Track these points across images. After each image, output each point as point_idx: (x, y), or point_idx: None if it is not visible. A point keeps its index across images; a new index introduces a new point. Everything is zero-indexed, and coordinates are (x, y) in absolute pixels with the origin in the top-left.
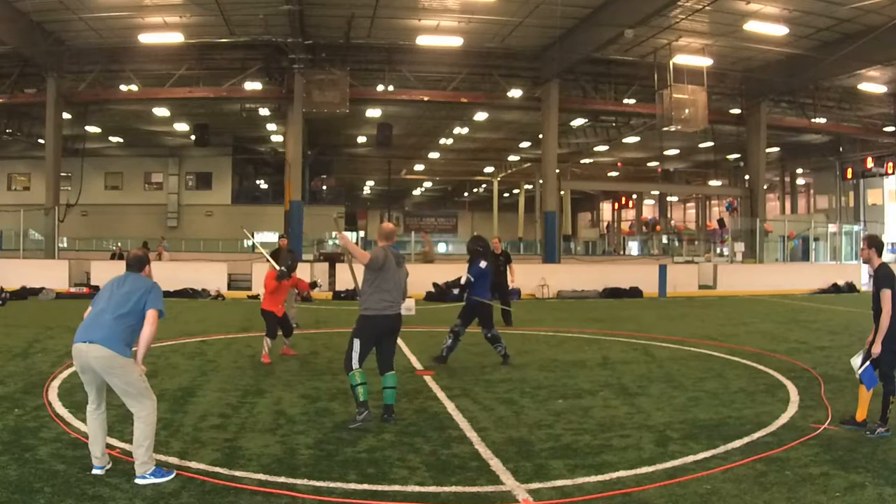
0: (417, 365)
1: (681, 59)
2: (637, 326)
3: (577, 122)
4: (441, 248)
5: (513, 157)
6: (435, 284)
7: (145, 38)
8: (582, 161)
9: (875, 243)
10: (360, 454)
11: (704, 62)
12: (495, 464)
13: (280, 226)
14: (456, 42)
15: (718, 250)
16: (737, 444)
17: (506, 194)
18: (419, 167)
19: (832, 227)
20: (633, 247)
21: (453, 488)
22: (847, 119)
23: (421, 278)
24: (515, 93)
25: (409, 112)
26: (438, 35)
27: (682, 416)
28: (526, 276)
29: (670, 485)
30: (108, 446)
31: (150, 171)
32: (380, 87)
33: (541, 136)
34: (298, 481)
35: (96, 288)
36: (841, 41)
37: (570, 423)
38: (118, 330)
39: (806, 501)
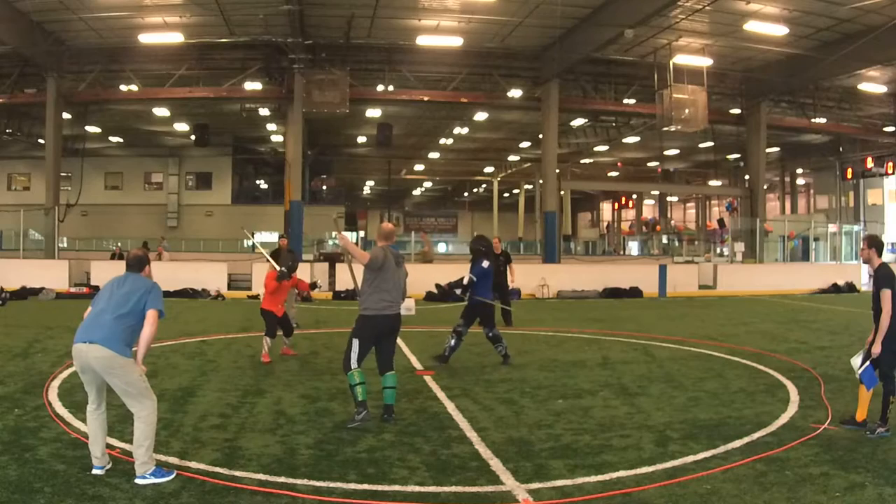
0: (417, 365)
1: (681, 59)
2: (637, 326)
3: (577, 122)
4: (441, 248)
5: (513, 157)
6: (438, 286)
7: (145, 38)
8: (582, 161)
9: (875, 243)
10: (360, 454)
11: (704, 62)
12: (495, 464)
13: (280, 226)
14: (456, 42)
15: (718, 250)
16: (737, 444)
17: (506, 194)
18: (419, 167)
19: (832, 227)
20: (633, 247)
21: (453, 488)
22: (847, 119)
23: (421, 278)
24: (515, 93)
25: (409, 112)
26: (438, 35)
27: (682, 416)
28: (526, 276)
29: (670, 485)
30: (108, 446)
31: (150, 171)
32: (380, 87)
33: (541, 136)
34: (298, 481)
35: (96, 288)
36: (841, 41)
37: (570, 423)
38: (118, 330)
39: (806, 501)
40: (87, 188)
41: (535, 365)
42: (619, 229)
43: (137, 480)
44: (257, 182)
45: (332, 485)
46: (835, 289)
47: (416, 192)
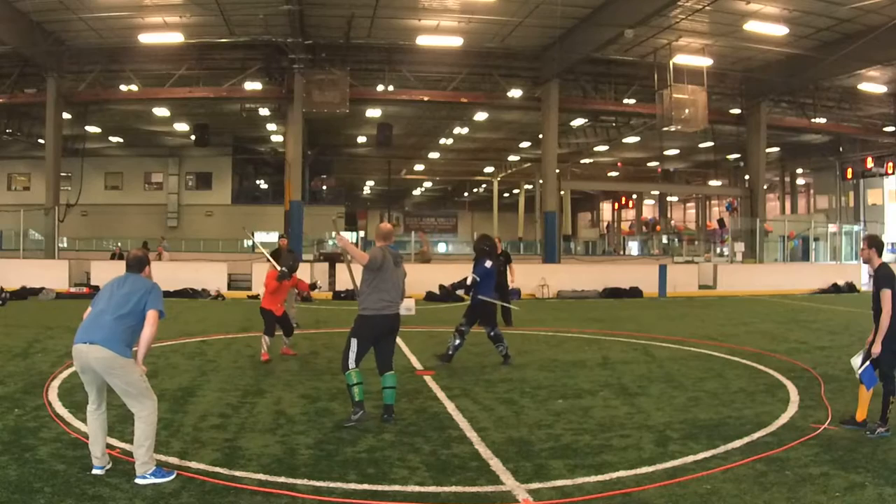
0: (417, 365)
1: (681, 59)
2: (637, 326)
3: (577, 122)
4: (441, 248)
5: (513, 157)
6: (441, 286)
7: (145, 38)
8: (582, 161)
9: (875, 243)
10: (360, 454)
11: (704, 62)
12: (495, 464)
13: (280, 226)
14: (456, 42)
15: (718, 250)
16: (737, 444)
17: (506, 194)
18: (419, 167)
19: (832, 227)
20: (633, 247)
21: (453, 488)
22: (847, 119)
23: (420, 278)
24: (515, 93)
25: (409, 112)
26: (438, 35)
27: (682, 416)
28: (526, 276)
29: (670, 485)
30: (109, 446)
31: (150, 171)
32: (380, 87)
33: (541, 136)
34: (298, 481)
35: (96, 288)
36: (841, 41)
37: (570, 423)
38: (118, 331)
39: (806, 501)
40: (87, 188)
41: (535, 365)
42: (619, 229)
43: (137, 480)
44: (257, 182)
45: (332, 485)
46: (835, 289)
47: (416, 192)
